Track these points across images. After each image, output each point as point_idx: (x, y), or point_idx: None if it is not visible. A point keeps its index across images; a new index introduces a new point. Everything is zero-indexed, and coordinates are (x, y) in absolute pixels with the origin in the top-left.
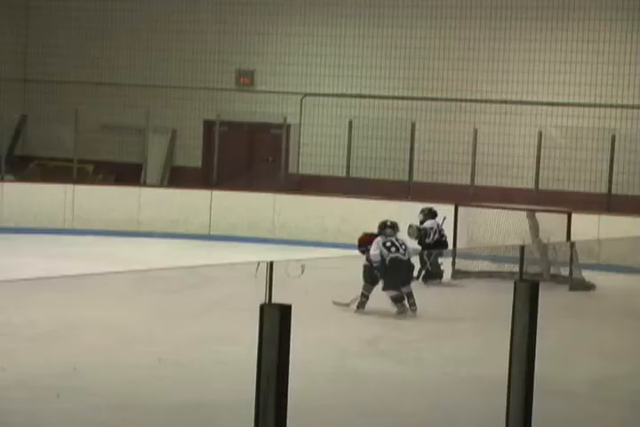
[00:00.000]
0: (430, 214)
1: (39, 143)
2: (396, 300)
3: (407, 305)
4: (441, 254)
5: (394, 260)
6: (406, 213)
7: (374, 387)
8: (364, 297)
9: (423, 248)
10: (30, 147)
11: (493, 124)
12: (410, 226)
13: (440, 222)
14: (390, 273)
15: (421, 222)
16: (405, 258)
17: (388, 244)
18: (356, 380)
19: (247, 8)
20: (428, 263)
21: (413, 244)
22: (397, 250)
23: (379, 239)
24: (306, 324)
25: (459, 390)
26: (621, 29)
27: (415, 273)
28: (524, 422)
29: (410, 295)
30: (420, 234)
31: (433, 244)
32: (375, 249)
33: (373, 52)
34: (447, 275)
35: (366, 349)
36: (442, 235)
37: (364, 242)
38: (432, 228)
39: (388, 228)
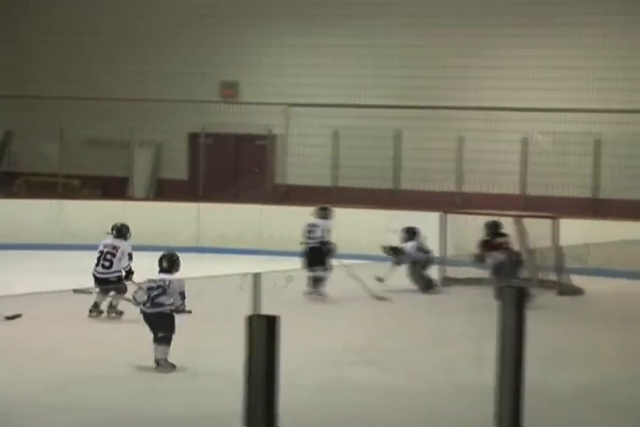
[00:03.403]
0: (410, 234)
1: (25, 159)
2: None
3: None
4: (428, 267)
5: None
6: (393, 221)
7: (363, 396)
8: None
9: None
10: (16, 163)
11: (479, 130)
12: (383, 247)
13: (421, 241)
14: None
15: (404, 241)
16: (312, 244)
17: (308, 229)
18: (344, 389)
19: (229, 20)
20: (425, 275)
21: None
22: (308, 235)
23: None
24: (293, 334)
25: (449, 399)
26: (605, 35)
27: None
28: None
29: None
30: (394, 253)
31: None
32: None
33: (357, 61)
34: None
35: (355, 358)
36: (426, 251)
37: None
38: (412, 247)
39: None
